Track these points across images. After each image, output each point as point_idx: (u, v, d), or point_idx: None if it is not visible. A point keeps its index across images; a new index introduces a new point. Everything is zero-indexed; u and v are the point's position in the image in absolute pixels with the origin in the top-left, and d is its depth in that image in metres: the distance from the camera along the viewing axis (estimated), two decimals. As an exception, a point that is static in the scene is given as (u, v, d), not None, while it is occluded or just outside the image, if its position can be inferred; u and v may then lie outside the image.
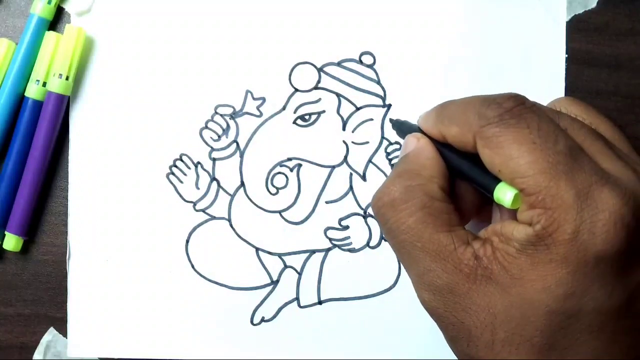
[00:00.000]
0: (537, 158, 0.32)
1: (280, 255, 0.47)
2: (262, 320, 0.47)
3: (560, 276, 0.31)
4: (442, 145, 0.36)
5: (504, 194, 0.33)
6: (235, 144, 0.47)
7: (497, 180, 0.33)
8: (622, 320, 0.32)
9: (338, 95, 0.47)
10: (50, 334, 0.47)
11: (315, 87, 0.47)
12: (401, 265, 0.47)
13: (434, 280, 0.34)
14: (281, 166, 0.47)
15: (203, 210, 0.47)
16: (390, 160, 0.47)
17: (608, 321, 0.32)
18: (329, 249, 0.47)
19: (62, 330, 0.47)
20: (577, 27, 0.48)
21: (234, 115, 0.47)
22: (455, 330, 0.34)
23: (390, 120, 0.43)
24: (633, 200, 0.31)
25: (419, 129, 0.38)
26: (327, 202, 0.47)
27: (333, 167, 0.47)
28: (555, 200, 0.31)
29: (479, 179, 0.35)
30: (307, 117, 0.47)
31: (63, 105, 0.46)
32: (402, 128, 0.40)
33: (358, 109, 0.47)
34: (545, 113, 0.34)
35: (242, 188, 0.47)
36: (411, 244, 0.34)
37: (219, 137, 0.47)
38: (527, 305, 0.32)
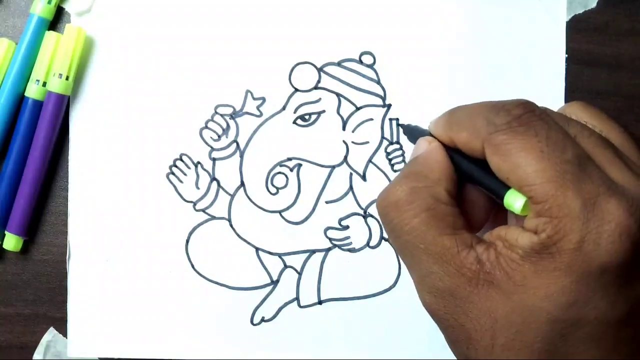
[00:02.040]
0: (545, 167, 0.32)
1: (280, 255, 0.47)
2: (262, 320, 0.47)
3: (563, 285, 0.31)
4: (452, 150, 0.36)
5: (513, 201, 0.33)
6: (235, 144, 0.47)
7: (507, 187, 0.33)
8: (623, 331, 0.32)
9: (338, 95, 0.47)
10: (50, 334, 0.47)
11: (315, 87, 0.47)
12: (401, 265, 0.47)
13: (435, 282, 0.34)
14: (281, 166, 0.47)
15: (203, 210, 0.47)
16: (390, 160, 0.47)
17: (609, 331, 0.32)
18: (329, 249, 0.47)
19: (62, 330, 0.47)
20: (577, 27, 0.48)
21: (234, 115, 0.47)
22: (456, 333, 0.34)
23: (402, 125, 0.44)
24: None
25: (430, 134, 0.38)
26: (327, 202, 0.47)
27: (333, 167, 0.47)
28: (562, 209, 0.31)
29: (489, 184, 0.35)
30: (307, 117, 0.47)
31: (63, 105, 0.46)
32: (414, 133, 0.40)
33: (358, 109, 0.47)
34: (554, 121, 0.34)
35: (242, 188, 0.47)
36: (414, 245, 0.34)
37: (219, 137, 0.47)
38: (528, 311, 0.32)
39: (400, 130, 0.47)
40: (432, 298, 0.34)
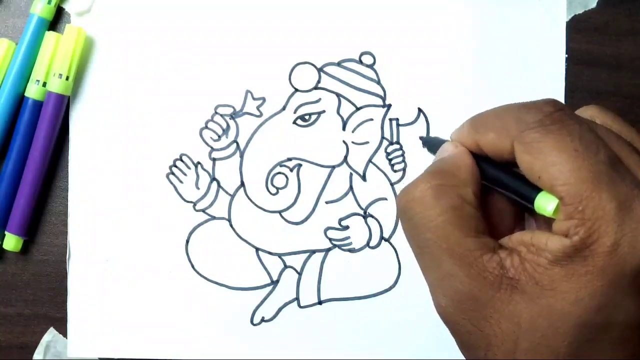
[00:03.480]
0: (580, 166, 0.31)
1: (280, 255, 0.47)
2: (262, 320, 0.47)
3: (594, 288, 0.31)
4: (478, 157, 0.35)
5: (546, 203, 0.32)
6: (235, 144, 0.47)
7: (537, 190, 0.33)
8: None
9: (338, 95, 0.47)
10: (50, 334, 0.47)
11: (315, 87, 0.47)
12: (401, 265, 0.47)
13: (455, 285, 0.33)
14: (281, 166, 0.47)
15: (203, 210, 0.47)
16: (390, 160, 0.47)
17: (635, 334, 0.32)
18: (329, 249, 0.47)
19: (62, 330, 0.47)
20: (577, 27, 0.48)
21: (234, 115, 0.47)
22: (473, 339, 0.33)
23: (421, 138, 0.43)
24: None
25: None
26: (327, 202, 0.47)
27: (333, 167, 0.47)
28: (597, 211, 0.30)
29: (517, 188, 0.34)
30: (307, 117, 0.47)
31: (63, 105, 0.46)
32: (435, 143, 0.39)
33: (358, 109, 0.47)
34: (584, 121, 0.33)
35: (242, 188, 0.47)
36: (436, 244, 0.33)
37: (219, 137, 0.47)
38: (556, 316, 0.31)
39: (401, 132, 0.47)
40: (449, 302, 0.33)
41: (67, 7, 0.47)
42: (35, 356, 0.47)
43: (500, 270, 0.32)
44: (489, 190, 0.36)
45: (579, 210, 0.31)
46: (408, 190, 0.34)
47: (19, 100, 0.46)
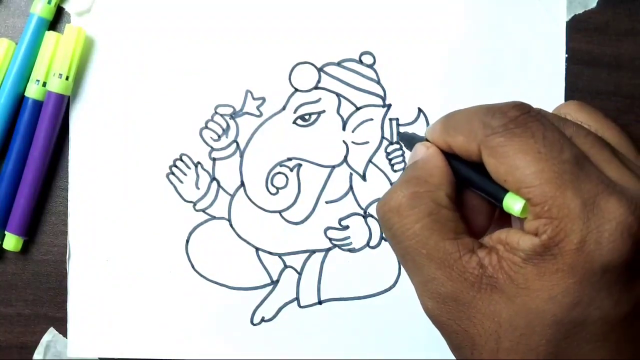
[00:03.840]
0: (543, 168, 0.32)
1: (280, 255, 0.47)
2: (262, 320, 0.47)
3: (566, 286, 0.31)
4: (450, 156, 0.36)
5: (512, 203, 0.33)
6: (235, 144, 0.47)
7: (505, 190, 0.33)
8: (627, 329, 0.32)
9: (338, 95, 0.47)
10: (50, 334, 0.47)
11: (315, 87, 0.47)
12: (401, 266, 0.47)
13: (438, 288, 0.33)
14: (281, 166, 0.47)
15: (203, 210, 0.47)
16: (390, 160, 0.47)
17: (613, 330, 0.32)
18: (329, 249, 0.47)
19: (62, 330, 0.47)
20: (577, 27, 0.48)
21: (234, 115, 0.47)
22: (459, 339, 0.34)
23: (399, 133, 0.43)
24: None
25: (426, 141, 0.38)
26: (327, 202, 0.47)
27: (333, 167, 0.47)
28: (562, 210, 0.31)
29: (487, 188, 0.34)
30: (307, 117, 0.47)
31: (63, 105, 0.46)
32: (410, 140, 0.40)
33: (358, 109, 0.47)
34: (550, 121, 0.33)
35: (242, 188, 0.47)
36: (416, 250, 0.34)
37: (219, 137, 0.47)
38: (533, 314, 0.32)
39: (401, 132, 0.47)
40: (435, 304, 0.34)
41: (67, 7, 0.47)
42: (35, 356, 0.47)
43: (480, 269, 0.33)
44: (467, 187, 0.36)
45: (545, 210, 0.31)
46: (385, 201, 0.35)
47: (19, 100, 0.46)
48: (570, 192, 0.31)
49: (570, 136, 0.34)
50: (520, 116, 0.33)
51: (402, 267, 0.47)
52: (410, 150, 0.39)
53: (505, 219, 0.37)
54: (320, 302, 0.47)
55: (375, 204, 0.47)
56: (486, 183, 0.34)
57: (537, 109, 0.34)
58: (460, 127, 0.35)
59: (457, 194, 0.36)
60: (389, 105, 0.47)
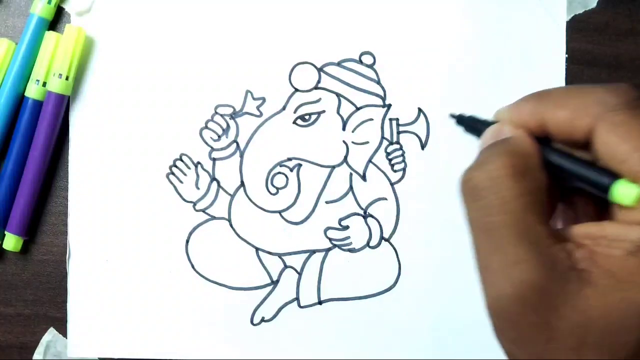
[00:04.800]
0: None
1: (280, 255, 0.47)
2: (262, 320, 0.47)
3: None
4: (541, 140, 0.33)
5: (627, 190, 0.30)
6: (235, 144, 0.47)
7: (613, 177, 0.31)
8: None
9: (338, 95, 0.47)
10: (50, 334, 0.47)
11: (315, 87, 0.47)
12: (401, 265, 0.47)
13: (523, 272, 0.30)
14: (281, 166, 0.47)
15: (203, 210, 0.47)
16: (390, 160, 0.47)
17: None
18: (329, 249, 0.47)
19: (62, 330, 0.47)
20: (577, 27, 0.48)
21: (234, 115, 0.47)
22: (534, 331, 0.31)
23: (453, 115, 0.37)
24: None
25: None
26: (327, 202, 0.47)
27: (333, 167, 0.47)
28: None
29: (589, 175, 0.31)
30: (307, 117, 0.47)
31: (63, 105, 0.46)
32: (475, 123, 0.36)
33: (358, 109, 0.47)
34: None
35: (242, 188, 0.47)
36: (508, 227, 0.31)
37: (219, 137, 0.47)
38: (632, 309, 0.30)
39: (401, 132, 0.47)
40: (514, 290, 0.31)
41: (67, 7, 0.47)
42: (35, 356, 0.47)
43: (570, 261, 0.31)
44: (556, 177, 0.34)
45: None
46: (480, 168, 0.32)
47: (19, 100, 0.46)
48: None
49: None
50: (639, 98, 0.31)
51: (401, 262, 0.47)
52: (475, 135, 0.36)
53: (583, 214, 0.35)
54: (320, 302, 0.47)
55: (375, 204, 0.47)
56: (588, 169, 0.32)
57: None
58: (565, 102, 0.32)
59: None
60: (389, 105, 0.47)
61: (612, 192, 0.31)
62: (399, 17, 0.47)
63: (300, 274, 0.47)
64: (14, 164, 0.46)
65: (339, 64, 0.47)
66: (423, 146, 0.47)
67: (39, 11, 0.46)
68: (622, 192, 0.30)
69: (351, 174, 0.47)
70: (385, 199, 0.47)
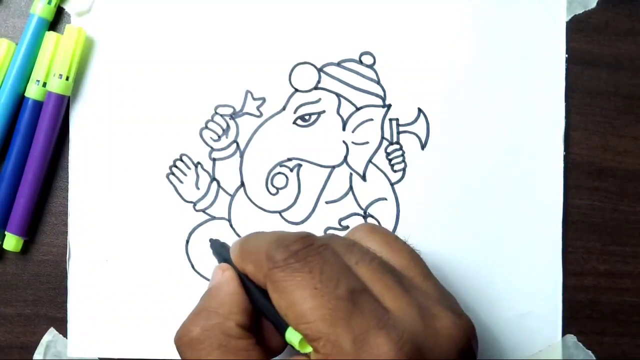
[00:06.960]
0: (318, 304, 0.32)
1: (280, 256, 0.47)
2: (262, 320, 0.47)
3: None
4: (247, 279, 0.37)
5: (293, 338, 0.33)
6: (235, 144, 0.47)
7: (287, 324, 0.34)
8: None
9: (338, 95, 0.47)
10: (50, 334, 0.47)
11: (315, 87, 0.47)
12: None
13: None
14: (281, 166, 0.47)
15: (203, 211, 0.47)
16: (390, 160, 0.47)
17: None
18: (329, 249, 0.47)
19: (62, 330, 0.47)
20: (577, 27, 0.48)
21: (234, 116, 0.47)
22: None
23: (210, 240, 0.42)
24: (410, 343, 0.32)
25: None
26: (327, 202, 0.47)
27: (333, 167, 0.47)
28: (335, 347, 0.32)
29: (273, 319, 0.35)
30: (307, 117, 0.47)
31: (63, 105, 0.46)
32: (222, 252, 0.40)
33: (358, 109, 0.47)
34: (333, 252, 0.34)
35: (242, 188, 0.47)
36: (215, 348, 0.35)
37: (219, 137, 0.47)
38: None
39: (401, 132, 0.47)
40: None
41: (67, 7, 0.47)
42: (35, 356, 0.47)
43: None
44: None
45: (321, 346, 0.32)
46: (180, 335, 0.36)
47: (19, 100, 0.46)
48: (341, 329, 0.32)
49: (356, 262, 0.34)
50: (301, 250, 0.33)
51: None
52: (219, 261, 0.40)
53: None
54: (320, 302, 0.47)
55: (375, 204, 0.47)
56: (272, 314, 0.35)
57: (325, 237, 0.35)
58: (252, 256, 0.36)
59: (255, 316, 0.37)
60: (389, 106, 0.47)
61: (286, 337, 0.34)
62: (399, 18, 0.47)
63: (300, 274, 0.47)
64: (14, 164, 0.46)
65: (339, 64, 0.47)
66: (423, 146, 0.47)
67: (39, 11, 0.46)
68: (291, 337, 0.34)
69: (351, 174, 0.47)
70: (385, 199, 0.47)
